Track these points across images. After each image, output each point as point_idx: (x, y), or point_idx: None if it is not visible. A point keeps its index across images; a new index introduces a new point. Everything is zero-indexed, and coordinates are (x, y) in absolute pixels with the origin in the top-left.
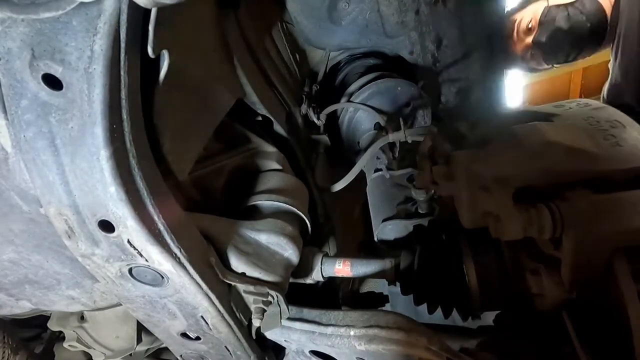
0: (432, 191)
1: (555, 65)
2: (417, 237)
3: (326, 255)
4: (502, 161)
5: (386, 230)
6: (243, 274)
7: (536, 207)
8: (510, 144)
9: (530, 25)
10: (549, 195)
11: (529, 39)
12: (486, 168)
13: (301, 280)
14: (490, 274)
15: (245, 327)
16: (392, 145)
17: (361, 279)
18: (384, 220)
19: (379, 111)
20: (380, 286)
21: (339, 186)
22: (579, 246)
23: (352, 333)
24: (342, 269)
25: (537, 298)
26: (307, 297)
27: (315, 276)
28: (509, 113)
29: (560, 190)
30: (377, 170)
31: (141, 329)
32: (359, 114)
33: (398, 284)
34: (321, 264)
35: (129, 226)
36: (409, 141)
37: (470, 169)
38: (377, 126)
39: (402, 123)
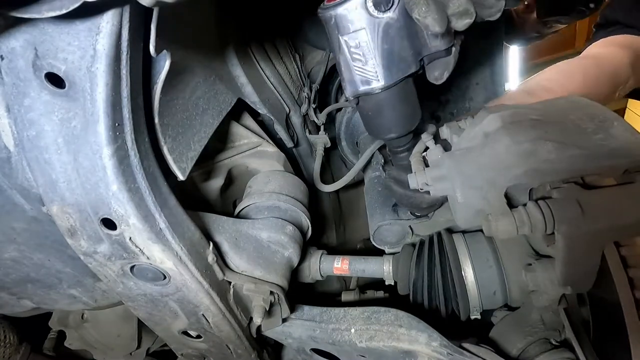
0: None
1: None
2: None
3: (325, 253)
4: (492, 161)
5: (382, 230)
6: (244, 272)
7: (527, 205)
8: (501, 142)
9: (526, 2)
10: (540, 193)
11: (533, 15)
12: (477, 168)
13: (300, 279)
14: (487, 270)
15: (246, 326)
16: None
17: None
18: (380, 220)
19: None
20: None
21: (337, 186)
22: (570, 242)
23: (353, 330)
24: (341, 267)
25: (533, 294)
26: (308, 295)
27: (314, 275)
28: (500, 110)
29: (551, 187)
30: (373, 171)
31: (142, 327)
32: (357, 114)
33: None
34: (319, 263)
35: (131, 224)
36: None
37: (461, 170)
38: None
39: None
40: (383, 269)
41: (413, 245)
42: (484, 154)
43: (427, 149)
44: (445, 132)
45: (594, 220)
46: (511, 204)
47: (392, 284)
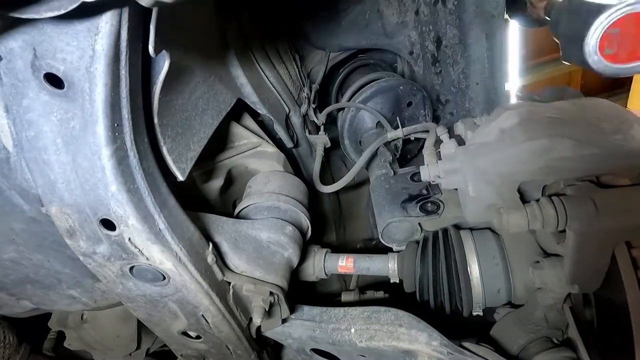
0: (437, 185)
1: None
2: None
3: (329, 252)
4: (507, 156)
5: (391, 228)
6: (243, 273)
7: (540, 201)
8: (516, 138)
9: None
10: (553, 190)
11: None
12: (491, 163)
13: (305, 278)
14: (493, 267)
15: (245, 327)
16: (394, 143)
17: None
18: (389, 218)
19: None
20: None
21: (338, 186)
22: (582, 240)
23: (353, 330)
24: (345, 265)
25: (539, 292)
26: (308, 295)
27: (319, 273)
28: (517, 108)
29: (565, 184)
30: (380, 168)
31: (142, 328)
32: (361, 113)
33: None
34: (324, 261)
35: (130, 225)
36: (411, 138)
37: (475, 164)
38: (379, 125)
39: (398, 122)
40: (388, 266)
41: (417, 242)
42: (498, 149)
43: (440, 142)
44: (459, 127)
45: (607, 219)
46: (524, 199)
47: (398, 281)
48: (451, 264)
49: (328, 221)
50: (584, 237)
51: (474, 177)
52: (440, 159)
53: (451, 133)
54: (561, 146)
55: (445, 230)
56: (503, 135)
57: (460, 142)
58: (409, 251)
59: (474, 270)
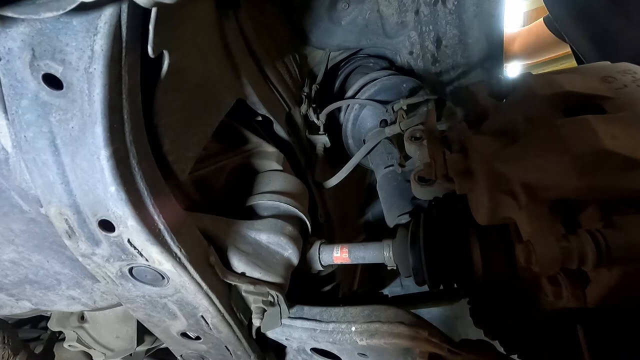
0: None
1: None
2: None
3: (324, 242)
4: (538, 166)
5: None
6: (243, 273)
7: (577, 234)
8: (551, 143)
9: None
10: (592, 216)
11: None
12: (517, 171)
13: (301, 271)
14: (495, 250)
15: (245, 327)
16: (399, 139)
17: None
18: (399, 215)
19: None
20: None
21: (334, 181)
22: (624, 284)
23: (353, 329)
24: (340, 256)
25: (549, 302)
26: (308, 295)
27: (315, 266)
28: (552, 88)
29: (609, 211)
30: (387, 166)
31: (141, 329)
32: (364, 111)
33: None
34: (319, 253)
35: (129, 226)
36: (404, 132)
37: (495, 169)
38: (383, 123)
39: (394, 114)
40: (383, 254)
41: (411, 222)
42: (527, 155)
43: (450, 127)
44: (472, 95)
45: None
46: (555, 227)
47: (395, 268)
48: (447, 245)
49: (328, 221)
50: (627, 280)
51: (490, 185)
52: (447, 144)
53: (459, 101)
54: (611, 162)
55: (440, 207)
56: (530, 130)
57: (474, 122)
58: (401, 234)
59: (475, 251)
